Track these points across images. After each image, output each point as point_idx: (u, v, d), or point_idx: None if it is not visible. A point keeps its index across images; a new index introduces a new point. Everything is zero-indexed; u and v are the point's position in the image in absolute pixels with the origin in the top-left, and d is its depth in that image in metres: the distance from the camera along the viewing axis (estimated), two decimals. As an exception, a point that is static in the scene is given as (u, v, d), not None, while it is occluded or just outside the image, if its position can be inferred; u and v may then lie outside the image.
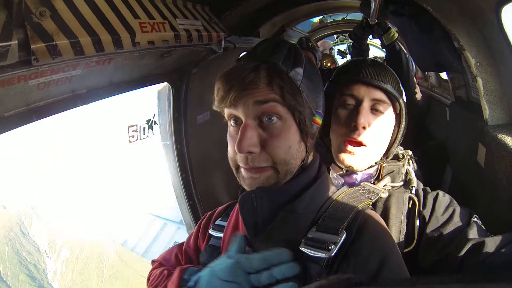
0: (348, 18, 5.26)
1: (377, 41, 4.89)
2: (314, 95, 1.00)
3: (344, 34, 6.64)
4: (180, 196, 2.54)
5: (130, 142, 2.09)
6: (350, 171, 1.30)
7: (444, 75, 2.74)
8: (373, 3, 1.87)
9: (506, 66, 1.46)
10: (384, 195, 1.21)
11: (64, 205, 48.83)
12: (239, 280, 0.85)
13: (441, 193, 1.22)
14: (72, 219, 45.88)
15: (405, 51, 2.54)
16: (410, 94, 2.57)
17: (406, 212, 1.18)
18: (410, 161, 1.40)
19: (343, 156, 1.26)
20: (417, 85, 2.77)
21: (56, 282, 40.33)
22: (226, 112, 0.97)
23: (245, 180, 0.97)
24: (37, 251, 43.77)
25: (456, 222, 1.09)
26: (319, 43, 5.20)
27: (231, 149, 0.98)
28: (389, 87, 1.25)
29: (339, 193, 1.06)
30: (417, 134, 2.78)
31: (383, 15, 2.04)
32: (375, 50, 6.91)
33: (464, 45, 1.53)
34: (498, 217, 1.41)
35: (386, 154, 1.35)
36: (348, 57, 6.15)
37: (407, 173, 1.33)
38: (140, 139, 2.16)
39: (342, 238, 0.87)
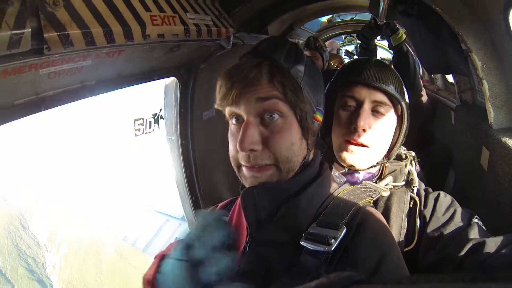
0: (356, 18, 5.26)
1: (385, 43, 4.88)
2: (315, 93, 1.01)
3: (352, 35, 6.62)
4: (183, 192, 2.54)
5: (136, 135, 2.10)
6: (352, 170, 1.31)
7: (450, 78, 2.73)
8: (382, 3, 1.87)
9: (513, 69, 1.46)
10: (386, 194, 1.22)
11: (65, 199, 49.04)
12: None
13: (442, 193, 1.22)
14: (73, 214, 46.06)
15: (413, 53, 2.53)
16: (416, 96, 2.57)
17: (407, 211, 1.19)
18: (413, 162, 1.40)
19: (344, 155, 1.27)
20: (423, 88, 2.75)
21: (55, 276, 40.63)
22: (228, 110, 0.98)
23: (247, 179, 0.97)
24: (37, 245, 44.13)
25: (457, 222, 1.09)
26: (326, 43, 5.18)
27: (232, 147, 0.99)
28: (391, 89, 1.25)
29: (340, 190, 1.07)
30: (421, 137, 2.78)
31: (391, 15, 2.03)
32: (383, 51, 6.88)
33: (471, 47, 1.53)
34: (500, 219, 1.41)
35: (388, 155, 1.35)
36: (356, 58, 6.13)
37: (409, 173, 1.33)
38: (146, 133, 2.17)
39: (342, 233, 0.88)
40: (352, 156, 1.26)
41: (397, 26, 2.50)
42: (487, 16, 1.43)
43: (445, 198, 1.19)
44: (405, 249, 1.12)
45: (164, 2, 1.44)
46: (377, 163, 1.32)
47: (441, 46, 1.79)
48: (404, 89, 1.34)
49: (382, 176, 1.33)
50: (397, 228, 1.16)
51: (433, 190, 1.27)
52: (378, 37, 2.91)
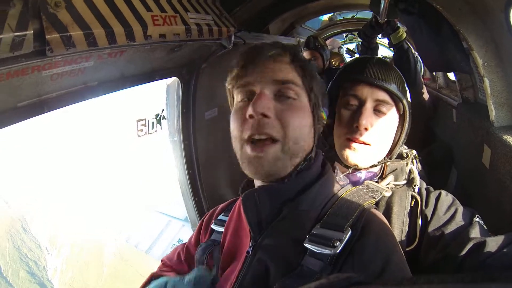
0: (357, 16, 5.26)
1: (386, 41, 4.87)
2: (322, 93, 1.04)
3: (353, 33, 6.61)
4: (186, 193, 2.53)
5: (138, 136, 2.11)
6: (355, 170, 1.31)
7: (452, 76, 2.72)
8: (383, 1, 1.87)
9: (514, 67, 1.45)
10: (387, 194, 1.21)
11: (67, 201, 49.05)
12: None
13: (443, 192, 1.22)
14: (75, 216, 46.11)
15: (413, 51, 2.53)
16: (417, 94, 2.56)
17: (408, 210, 1.18)
18: (414, 161, 1.40)
19: (347, 153, 1.26)
20: (424, 86, 2.75)
21: (56, 279, 40.70)
22: (239, 89, 0.97)
23: (249, 160, 0.93)
24: (38, 248, 44.17)
25: (458, 221, 1.09)
26: (327, 42, 5.16)
27: (237, 125, 0.96)
28: (393, 87, 1.25)
29: (343, 191, 1.07)
30: (423, 135, 2.78)
31: (392, 13, 2.03)
32: (384, 49, 6.87)
33: (472, 45, 1.52)
34: (501, 218, 1.41)
35: (389, 154, 1.35)
36: (357, 56, 6.12)
37: (410, 172, 1.32)
38: (148, 133, 2.17)
39: (348, 236, 0.87)
40: (355, 154, 1.25)
41: (398, 24, 2.50)
42: (488, 14, 1.43)
43: (446, 197, 1.19)
44: (406, 249, 1.12)
45: (165, 2, 1.44)
46: (378, 162, 1.31)
47: (442, 44, 1.79)
48: (406, 87, 1.33)
49: (384, 175, 1.32)
50: (399, 227, 1.16)
51: (435, 189, 1.27)
52: (380, 35, 2.90)
